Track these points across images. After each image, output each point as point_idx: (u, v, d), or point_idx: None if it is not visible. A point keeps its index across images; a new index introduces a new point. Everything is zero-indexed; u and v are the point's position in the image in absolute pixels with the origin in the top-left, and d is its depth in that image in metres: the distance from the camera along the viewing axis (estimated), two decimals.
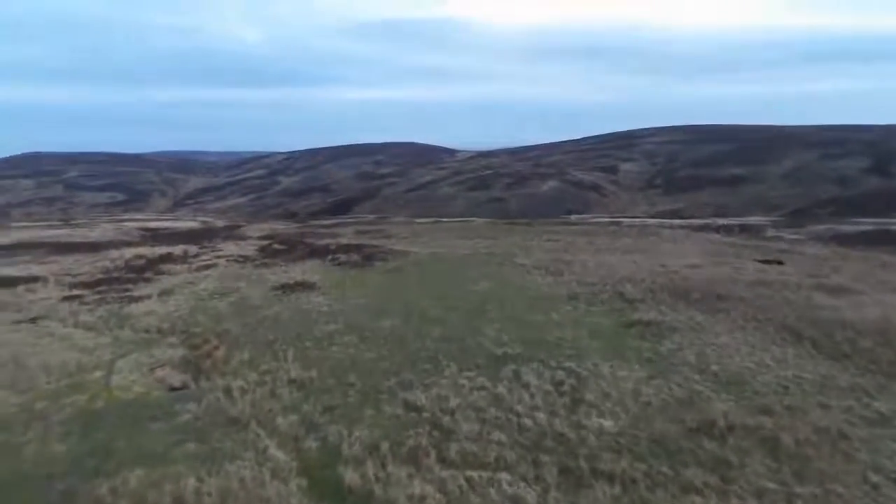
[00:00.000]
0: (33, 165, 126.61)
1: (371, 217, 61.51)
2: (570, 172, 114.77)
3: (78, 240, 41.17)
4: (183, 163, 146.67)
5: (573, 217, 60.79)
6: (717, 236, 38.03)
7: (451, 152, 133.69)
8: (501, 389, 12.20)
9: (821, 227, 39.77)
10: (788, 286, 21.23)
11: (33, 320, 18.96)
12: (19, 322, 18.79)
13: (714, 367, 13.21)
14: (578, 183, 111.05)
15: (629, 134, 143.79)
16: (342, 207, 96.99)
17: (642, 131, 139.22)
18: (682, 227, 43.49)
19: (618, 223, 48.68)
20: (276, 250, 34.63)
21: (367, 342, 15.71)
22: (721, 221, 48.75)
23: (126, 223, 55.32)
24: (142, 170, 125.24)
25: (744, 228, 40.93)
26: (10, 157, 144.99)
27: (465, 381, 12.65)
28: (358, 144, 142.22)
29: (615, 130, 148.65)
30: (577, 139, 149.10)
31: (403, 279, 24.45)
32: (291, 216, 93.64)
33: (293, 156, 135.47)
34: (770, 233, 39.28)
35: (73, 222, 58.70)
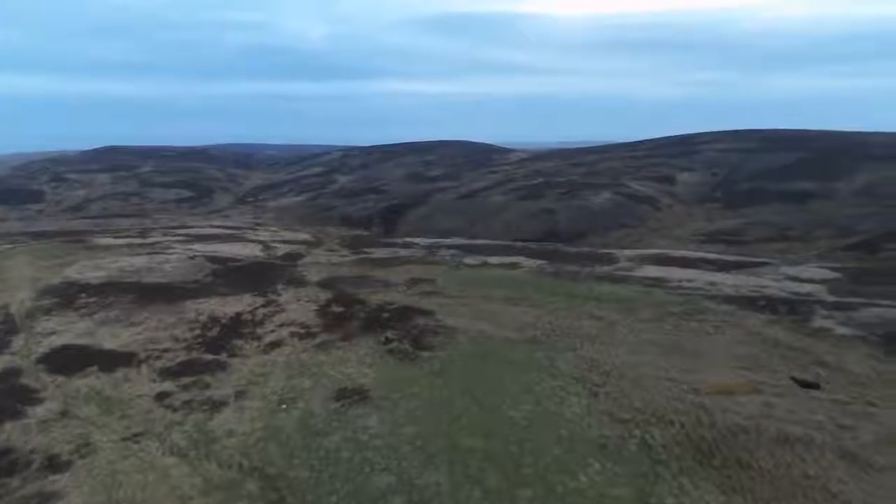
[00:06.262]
0: (110, 160, 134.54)
1: (423, 251, 64.26)
2: (624, 182, 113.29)
3: (156, 279, 45.71)
4: (245, 157, 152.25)
5: (622, 255, 61.26)
6: (760, 321, 38.43)
7: (505, 152, 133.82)
8: None
9: (871, 315, 39.29)
10: (812, 448, 22.29)
11: (136, 438, 22.57)
12: (125, 440, 22.47)
13: None
14: (633, 195, 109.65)
15: (690, 139, 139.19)
16: (394, 212, 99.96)
17: (704, 136, 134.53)
18: (728, 298, 43.73)
19: (664, 282, 49.28)
20: (335, 316, 37.90)
21: None
22: (775, 285, 48.50)
23: (195, 245, 60.03)
24: (207, 165, 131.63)
25: (791, 309, 40.93)
26: (89, 150, 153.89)
27: None
28: (412, 143, 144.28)
29: (688, 129, 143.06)
30: (635, 142, 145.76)
31: (448, 388, 26.88)
32: (345, 222, 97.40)
33: (350, 152, 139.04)
34: (818, 319, 39.15)
35: (148, 240, 63.96)
